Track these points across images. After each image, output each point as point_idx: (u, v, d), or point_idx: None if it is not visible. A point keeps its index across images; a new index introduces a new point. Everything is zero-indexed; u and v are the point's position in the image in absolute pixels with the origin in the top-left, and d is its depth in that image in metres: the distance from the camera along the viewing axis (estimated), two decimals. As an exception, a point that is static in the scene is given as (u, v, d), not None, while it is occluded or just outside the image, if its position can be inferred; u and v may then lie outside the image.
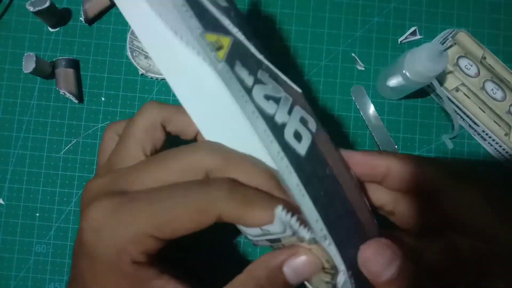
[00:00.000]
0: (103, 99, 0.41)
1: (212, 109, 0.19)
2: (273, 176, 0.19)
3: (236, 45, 0.18)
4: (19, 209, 0.39)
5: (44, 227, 0.39)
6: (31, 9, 0.37)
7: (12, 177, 0.40)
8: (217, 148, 0.19)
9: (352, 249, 0.19)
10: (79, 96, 0.40)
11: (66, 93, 0.39)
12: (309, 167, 0.18)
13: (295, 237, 0.18)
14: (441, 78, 0.39)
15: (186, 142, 0.21)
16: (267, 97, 0.18)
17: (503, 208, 0.20)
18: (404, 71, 0.35)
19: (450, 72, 0.39)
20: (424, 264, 0.20)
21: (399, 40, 0.42)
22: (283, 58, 0.41)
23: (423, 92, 0.41)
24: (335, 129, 0.41)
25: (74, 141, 0.40)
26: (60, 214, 0.39)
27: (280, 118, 0.18)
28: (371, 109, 0.41)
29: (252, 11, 0.42)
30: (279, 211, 0.17)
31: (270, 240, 0.19)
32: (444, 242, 0.21)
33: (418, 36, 0.42)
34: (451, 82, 0.39)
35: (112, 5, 0.41)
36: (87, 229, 0.19)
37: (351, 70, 0.42)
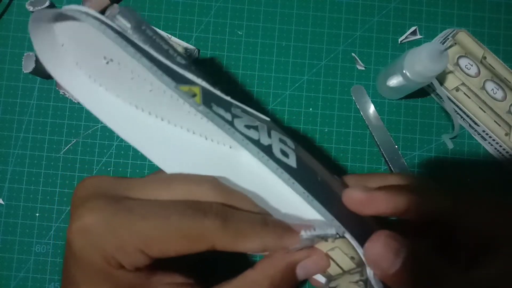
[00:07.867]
0: (103, 99, 0.41)
1: (205, 152, 0.21)
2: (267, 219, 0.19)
3: (206, 90, 0.20)
4: (19, 209, 0.39)
5: (44, 227, 0.39)
6: (31, 9, 0.37)
7: (12, 177, 0.40)
8: (222, 185, 0.19)
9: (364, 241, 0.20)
10: (79, 96, 0.40)
11: (66, 93, 0.39)
12: (305, 176, 0.20)
13: (322, 239, 0.20)
14: (441, 78, 0.39)
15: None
16: (248, 127, 0.20)
17: (479, 198, 0.21)
18: (404, 71, 0.35)
19: (450, 72, 0.39)
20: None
21: (399, 40, 0.42)
22: (283, 58, 0.41)
23: (423, 92, 0.41)
24: (335, 129, 0.41)
25: (74, 141, 0.40)
26: (60, 214, 0.39)
27: (264, 141, 0.20)
28: (371, 109, 0.41)
29: (252, 11, 0.42)
30: (303, 237, 0.19)
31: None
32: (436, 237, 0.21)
33: (418, 36, 0.42)
34: (451, 82, 0.39)
35: (112, 4, 0.41)
36: (77, 231, 0.18)
37: (351, 70, 0.42)
